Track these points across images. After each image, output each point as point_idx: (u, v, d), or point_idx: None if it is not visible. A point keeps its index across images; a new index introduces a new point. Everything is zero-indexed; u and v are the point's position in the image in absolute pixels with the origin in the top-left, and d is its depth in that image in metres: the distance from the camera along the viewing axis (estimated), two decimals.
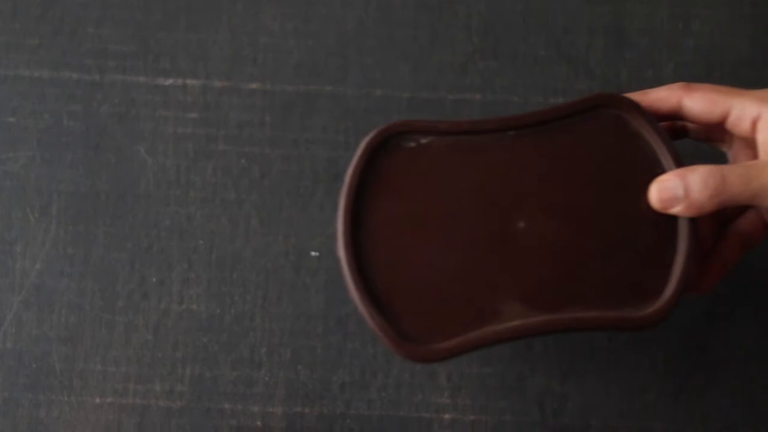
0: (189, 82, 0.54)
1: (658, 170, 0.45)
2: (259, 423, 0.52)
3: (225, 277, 0.53)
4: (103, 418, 0.52)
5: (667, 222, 0.45)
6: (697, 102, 0.45)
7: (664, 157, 0.45)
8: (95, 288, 0.53)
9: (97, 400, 0.52)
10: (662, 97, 0.46)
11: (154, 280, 0.53)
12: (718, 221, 0.49)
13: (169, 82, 0.54)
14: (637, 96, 0.46)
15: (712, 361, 0.53)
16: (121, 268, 0.53)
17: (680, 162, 0.45)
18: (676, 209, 0.44)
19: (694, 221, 0.45)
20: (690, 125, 0.48)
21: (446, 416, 0.52)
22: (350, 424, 0.52)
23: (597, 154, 0.45)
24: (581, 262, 0.45)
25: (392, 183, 0.45)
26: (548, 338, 0.52)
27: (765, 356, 0.53)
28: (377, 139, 0.45)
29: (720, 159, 0.48)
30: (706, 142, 0.49)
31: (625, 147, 0.45)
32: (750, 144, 0.46)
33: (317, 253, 0.53)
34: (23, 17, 0.54)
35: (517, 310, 0.44)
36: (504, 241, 0.45)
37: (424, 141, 0.45)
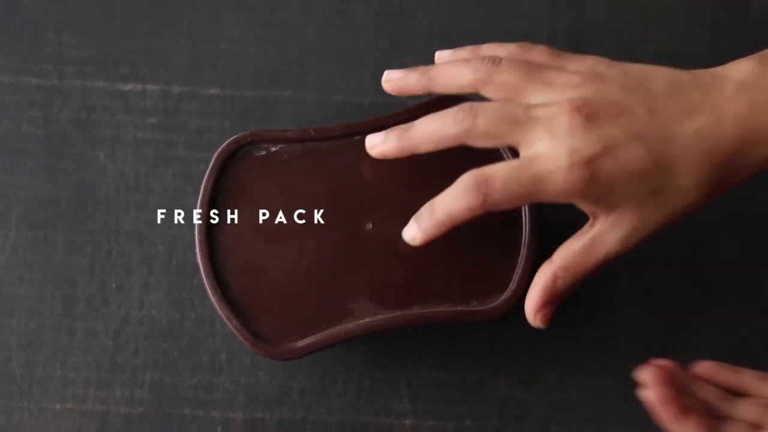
0: (148, 87, 0.54)
1: None
2: (219, 429, 0.52)
3: (185, 283, 0.53)
4: (63, 425, 0.52)
5: (511, 218, 0.47)
6: None
7: (506, 152, 0.47)
8: (55, 294, 0.52)
9: (57, 407, 0.52)
10: None
11: (114, 285, 0.53)
12: None
13: (128, 87, 0.54)
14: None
15: None
16: (80, 274, 0.53)
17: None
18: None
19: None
20: None
21: (407, 422, 0.52)
22: (310, 429, 0.52)
23: (441, 154, 0.46)
24: (429, 259, 0.47)
25: (246, 190, 0.47)
26: (510, 344, 0.52)
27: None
28: (228, 150, 0.47)
29: None
30: None
31: (469, 146, 0.46)
32: None
33: None
34: None
35: (367, 308, 0.46)
36: (353, 242, 0.47)
37: (274, 149, 0.47)
